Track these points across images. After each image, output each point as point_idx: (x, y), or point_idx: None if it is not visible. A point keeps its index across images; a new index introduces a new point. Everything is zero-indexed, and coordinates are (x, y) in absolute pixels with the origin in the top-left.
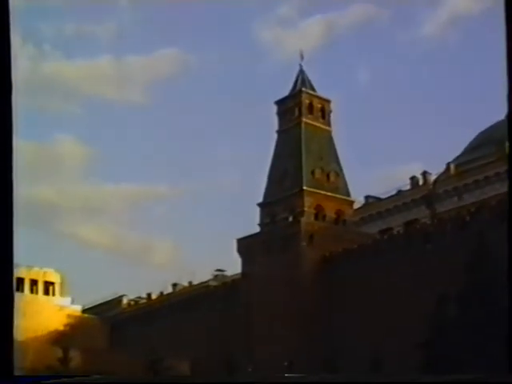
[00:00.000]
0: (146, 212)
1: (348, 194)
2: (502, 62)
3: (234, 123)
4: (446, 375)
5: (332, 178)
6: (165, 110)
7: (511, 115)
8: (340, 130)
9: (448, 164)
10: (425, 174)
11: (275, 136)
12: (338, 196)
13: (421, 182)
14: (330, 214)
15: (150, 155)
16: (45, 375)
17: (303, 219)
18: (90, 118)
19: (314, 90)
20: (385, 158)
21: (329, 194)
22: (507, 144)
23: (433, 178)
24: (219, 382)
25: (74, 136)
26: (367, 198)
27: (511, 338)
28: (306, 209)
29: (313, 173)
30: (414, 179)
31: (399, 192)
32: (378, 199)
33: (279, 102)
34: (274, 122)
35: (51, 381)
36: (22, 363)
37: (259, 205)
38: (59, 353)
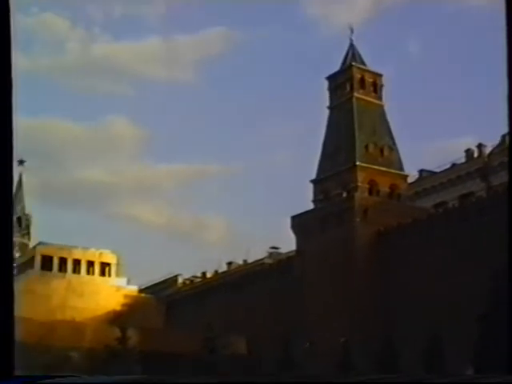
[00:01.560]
0: (199, 191)
1: (402, 169)
2: None
3: (285, 100)
4: (446, 375)
5: (385, 152)
6: (215, 89)
7: (511, 115)
8: (392, 104)
9: (503, 136)
10: (480, 146)
11: (327, 112)
12: (391, 170)
13: (476, 155)
14: (384, 188)
15: (202, 134)
16: (45, 375)
17: (357, 194)
18: (140, 99)
19: (364, 64)
20: (439, 131)
21: (382, 168)
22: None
23: (488, 150)
24: (219, 382)
25: (126, 117)
26: (421, 171)
27: (511, 338)
28: (359, 184)
29: (366, 148)
30: (468, 152)
31: (454, 165)
32: (433, 173)
33: (330, 78)
34: (326, 98)
35: (47, 381)
36: (80, 343)
37: (312, 181)
38: (117, 332)
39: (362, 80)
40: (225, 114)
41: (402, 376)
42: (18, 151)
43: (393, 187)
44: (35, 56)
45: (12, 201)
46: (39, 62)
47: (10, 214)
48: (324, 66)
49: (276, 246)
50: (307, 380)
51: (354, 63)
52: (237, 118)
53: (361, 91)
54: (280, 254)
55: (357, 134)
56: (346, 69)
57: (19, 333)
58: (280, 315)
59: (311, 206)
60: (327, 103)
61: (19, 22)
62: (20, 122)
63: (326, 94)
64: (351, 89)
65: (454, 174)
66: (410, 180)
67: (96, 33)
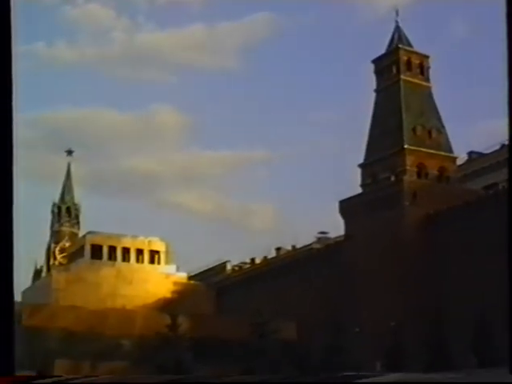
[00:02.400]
0: (245, 177)
1: (450, 151)
2: None
3: (331, 84)
4: (447, 375)
5: (433, 134)
6: (259, 75)
7: (511, 115)
8: (440, 86)
9: None
10: None
11: (374, 95)
12: (440, 153)
13: None
14: (433, 171)
15: (247, 120)
16: (44, 375)
17: (405, 178)
18: (185, 87)
19: (411, 46)
20: (488, 111)
21: (431, 151)
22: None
23: None
24: (219, 382)
25: (171, 105)
26: (470, 153)
27: (511, 339)
28: (407, 167)
29: (414, 130)
30: None
31: (503, 146)
32: (482, 155)
33: (376, 61)
34: (372, 81)
35: (45, 380)
36: (130, 331)
37: (360, 165)
38: (167, 319)
39: (409, 62)
40: (270, 99)
41: (400, 376)
42: (66, 142)
43: (441, 170)
44: (81, 47)
45: (12, 202)
46: (85, 53)
47: (11, 216)
48: (370, 49)
49: (324, 230)
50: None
51: (400, 45)
52: (282, 103)
53: (407, 73)
54: (328, 238)
55: (404, 116)
56: (392, 51)
57: (71, 321)
58: (329, 300)
59: (359, 190)
60: (374, 86)
61: (66, 14)
62: (67, 113)
63: (373, 77)
64: (398, 71)
65: (504, 156)
66: (458, 162)
67: (140, 22)
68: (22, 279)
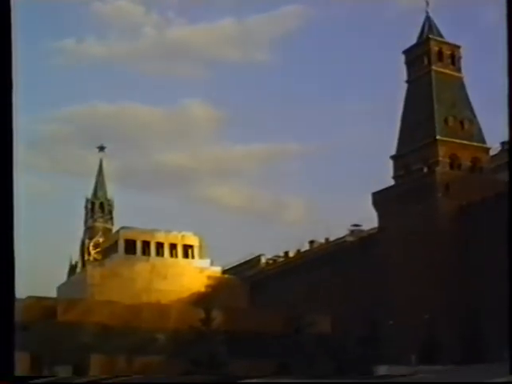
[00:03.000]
0: (278, 171)
1: (483, 141)
2: None
3: (362, 76)
4: (446, 375)
5: (466, 125)
6: (291, 67)
7: (511, 114)
8: (472, 76)
9: None
10: None
11: (405, 86)
12: (472, 143)
13: None
14: (466, 162)
15: (280, 113)
16: (44, 376)
17: (438, 169)
18: (217, 81)
19: (441, 36)
20: None
21: (463, 141)
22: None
23: None
24: (219, 382)
25: (203, 99)
26: (503, 144)
27: (511, 339)
28: (440, 158)
29: (446, 121)
30: None
31: None
32: None
33: (407, 51)
34: (403, 72)
35: (44, 380)
36: (165, 325)
37: (392, 157)
38: (201, 313)
39: (440, 52)
40: (302, 92)
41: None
42: (99, 137)
43: (474, 161)
44: (112, 43)
45: (13, 202)
46: (116, 49)
47: (11, 216)
48: (401, 40)
49: (357, 223)
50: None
51: (430, 36)
52: (314, 95)
53: (439, 64)
54: (362, 231)
55: (436, 107)
56: (422, 42)
57: (106, 316)
58: (363, 293)
59: (392, 182)
60: (405, 77)
61: (96, 10)
62: (99, 108)
63: (404, 68)
64: (429, 62)
65: None
66: (492, 153)
67: (170, 17)
68: (57, 275)
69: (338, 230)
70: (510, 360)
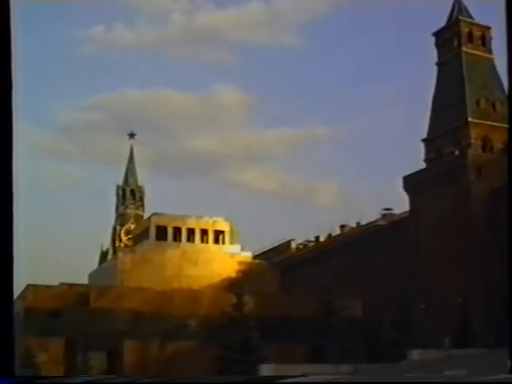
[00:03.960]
0: (308, 155)
1: None
2: None
3: (392, 59)
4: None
5: (498, 107)
6: (320, 51)
7: (511, 114)
8: (503, 57)
9: None
10: None
11: (436, 69)
12: (505, 125)
13: None
14: (498, 144)
15: (309, 97)
16: (42, 376)
17: (470, 152)
18: (246, 65)
19: (471, 17)
20: None
21: (495, 124)
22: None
23: None
24: (219, 382)
25: (233, 84)
26: None
27: (511, 339)
28: (472, 141)
29: (477, 103)
30: None
31: None
32: None
33: (437, 34)
34: (434, 55)
35: (44, 381)
36: (197, 311)
37: (424, 140)
38: (233, 299)
39: (470, 34)
40: (332, 75)
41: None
42: (129, 124)
43: (507, 143)
44: (141, 30)
45: (12, 199)
46: (145, 36)
47: (11, 213)
48: (430, 22)
49: (389, 207)
50: None
51: (460, 17)
52: (344, 78)
53: (469, 45)
54: (393, 214)
55: (467, 89)
56: (452, 24)
57: (138, 302)
58: (395, 276)
59: (423, 165)
60: (435, 60)
61: None
62: (130, 95)
63: (434, 51)
64: (459, 44)
65: None
66: None
67: (198, 2)
68: (88, 262)
69: (370, 214)
70: (510, 360)
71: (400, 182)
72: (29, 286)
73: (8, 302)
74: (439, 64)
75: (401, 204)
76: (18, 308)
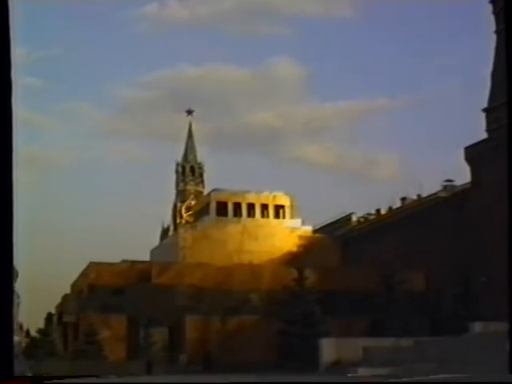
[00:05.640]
0: (367, 127)
1: None
2: None
3: (449, 27)
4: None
5: None
6: (377, 21)
7: (511, 113)
8: None
9: None
10: None
11: (494, 37)
12: None
13: None
14: None
15: (366, 69)
16: (42, 376)
17: None
18: (302, 38)
19: None
20: None
21: None
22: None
23: None
24: (219, 383)
25: (288, 58)
26: None
27: (511, 338)
28: None
29: None
30: None
31: None
32: None
33: (494, 1)
34: (492, 23)
35: (44, 381)
36: (258, 286)
37: (484, 110)
38: (294, 273)
39: None
40: (388, 45)
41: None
42: (186, 101)
43: None
44: (194, 6)
45: (12, 196)
46: (198, 12)
47: (11, 211)
48: None
49: (450, 178)
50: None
51: None
52: (400, 48)
53: None
54: (455, 186)
55: None
56: None
57: (199, 278)
58: (456, 249)
59: (485, 135)
60: (494, 28)
61: None
62: (186, 72)
63: (492, 18)
64: None
65: None
66: None
67: None
68: (150, 238)
69: (431, 186)
70: (509, 360)
71: (461, 153)
72: (91, 263)
73: (8, 303)
74: (497, 32)
75: (463, 175)
76: (81, 286)
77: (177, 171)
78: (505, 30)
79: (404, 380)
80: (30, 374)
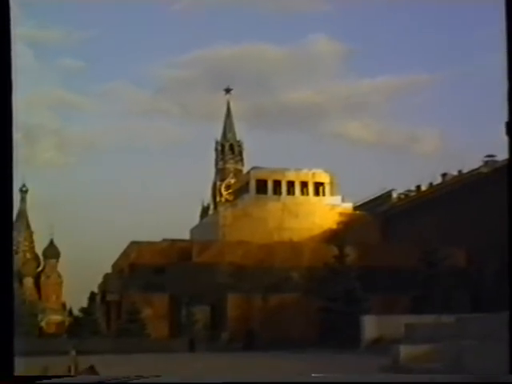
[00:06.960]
0: (408, 103)
1: None
2: None
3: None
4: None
5: None
6: None
7: (511, 112)
8: None
9: None
10: None
11: None
12: None
13: None
14: None
15: (405, 44)
16: (43, 376)
17: None
18: (339, 14)
19: None
20: None
21: None
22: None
23: None
24: (220, 383)
25: (326, 34)
26: None
27: (511, 339)
28: None
29: None
30: None
31: None
32: None
33: None
34: None
35: (45, 381)
36: (299, 263)
37: None
38: (334, 250)
39: None
40: (426, 20)
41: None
42: (224, 79)
43: None
44: None
45: (12, 195)
46: None
47: (11, 209)
48: None
49: (492, 153)
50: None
51: None
52: (440, 22)
53: None
54: (496, 162)
55: None
56: None
57: (239, 256)
58: (498, 225)
59: None
60: None
61: None
62: (223, 51)
63: None
64: None
65: None
66: None
67: None
68: (190, 217)
69: (472, 162)
70: (509, 360)
71: (503, 128)
72: (132, 243)
73: (8, 302)
74: None
75: (504, 150)
76: (122, 265)
77: (216, 149)
78: (506, 30)
79: (407, 380)
80: (73, 353)
